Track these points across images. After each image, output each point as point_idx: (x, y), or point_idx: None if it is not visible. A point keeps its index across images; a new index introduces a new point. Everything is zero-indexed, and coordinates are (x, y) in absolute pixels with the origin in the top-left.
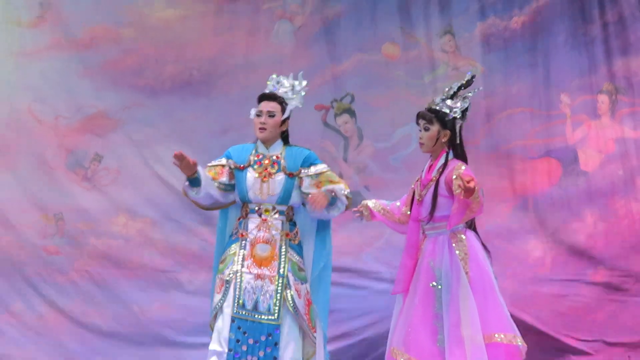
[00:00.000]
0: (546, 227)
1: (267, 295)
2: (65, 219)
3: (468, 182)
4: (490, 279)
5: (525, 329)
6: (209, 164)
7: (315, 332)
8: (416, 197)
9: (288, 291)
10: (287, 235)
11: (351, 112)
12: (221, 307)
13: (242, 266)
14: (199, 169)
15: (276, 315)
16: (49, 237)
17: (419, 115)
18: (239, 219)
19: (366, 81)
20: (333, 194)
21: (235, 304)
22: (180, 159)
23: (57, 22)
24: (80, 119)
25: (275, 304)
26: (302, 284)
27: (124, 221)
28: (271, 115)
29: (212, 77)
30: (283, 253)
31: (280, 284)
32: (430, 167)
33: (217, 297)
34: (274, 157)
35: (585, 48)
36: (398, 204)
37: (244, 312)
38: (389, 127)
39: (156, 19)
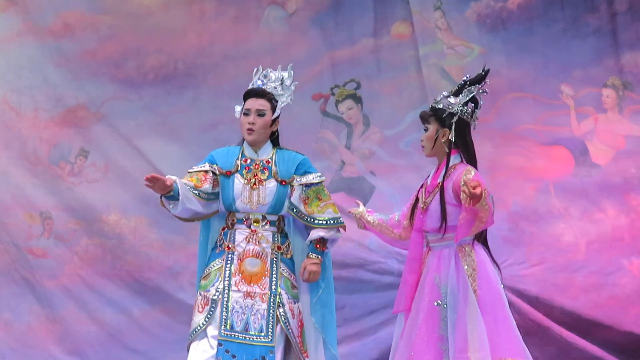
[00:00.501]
0: (571, 215)
1: (259, 315)
2: (53, 217)
3: (474, 187)
4: (500, 297)
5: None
6: (190, 170)
7: (307, 357)
8: (420, 204)
9: (281, 309)
10: (278, 248)
11: (356, 99)
12: (204, 330)
13: (230, 283)
14: (176, 183)
15: (270, 336)
16: (34, 239)
17: (420, 117)
18: (223, 229)
19: (373, 67)
20: (325, 249)
21: (223, 326)
22: (153, 181)
23: (29, 7)
24: (62, 111)
25: (268, 324)
26: (294, 302)
27: (115, 219)
28: (260, 114)
29: (198, 68)
30: (275, 268)
31: (272, 302)
32: (436, 171)
33: (199, 317)
34: (264, 162)
35: (588, 38)
36: (397, 217)
37: (232, 334)
38: (400, 113)
39: (136, 5)
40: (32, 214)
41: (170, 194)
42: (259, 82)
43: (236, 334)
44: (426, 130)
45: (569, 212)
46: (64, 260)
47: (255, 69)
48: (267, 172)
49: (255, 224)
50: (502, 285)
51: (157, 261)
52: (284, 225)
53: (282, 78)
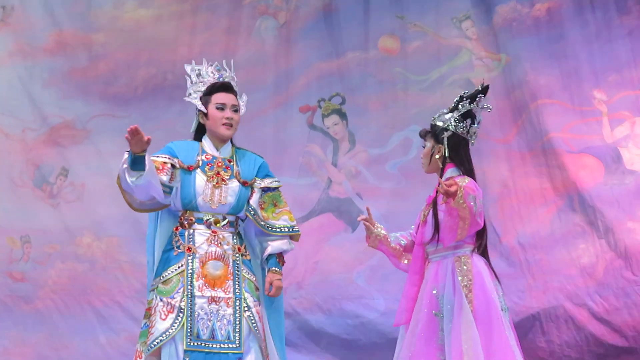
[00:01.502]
0: (597, 228)
1: (225, 320)
2: (31, 241)
3: (449, 185)
4: (496, 309)
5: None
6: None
7: None
8: (421, 218)
9: (247, 313)
10: (238, 250)
11: (341, 114)
12: (173, 338)
13: (193, 288)
14: (146, 152)
15: (237, 342)
16: (14, 262)
17: (420, 135)
18: (177, 229)
19: (360, 81)
20: (282, 262)
21: (189, 335)
22: (134, 134)
23: (21, 27)
24: (47, 130)
25: (235, 330)
26: (259, 305)
27: (89, 242)
28: (235, 109)
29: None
30: (237, 271)
31: (238, 307)
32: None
33: (163, 324)
34: (226, 160)
35: (622, 40)
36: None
37: (199, 343)
38: (385, 132)
39: (127, 21)
40: (13, 238)
41: (141, 157)
42: (217, 75)
43: (203, 342)
44: (424, 147)
45: (595, 226)
46: (39, 284)
47: (203, 60)
48: (229, 171)
49: (215, 224)
50: (502, 297)
51: (126, 284)
52: (238, 226)
53: (233, 77)
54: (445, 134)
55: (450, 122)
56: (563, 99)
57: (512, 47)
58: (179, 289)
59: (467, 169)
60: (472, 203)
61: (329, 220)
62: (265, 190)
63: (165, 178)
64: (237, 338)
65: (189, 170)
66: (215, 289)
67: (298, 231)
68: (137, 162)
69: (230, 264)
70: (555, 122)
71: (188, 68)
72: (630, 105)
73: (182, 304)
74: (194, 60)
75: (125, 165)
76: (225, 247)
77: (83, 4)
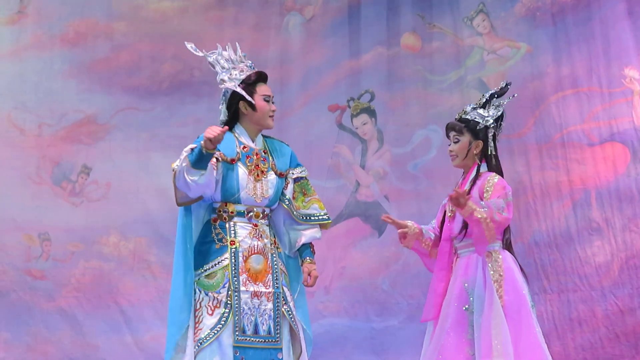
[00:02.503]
0: (613, 225)
1: (266, 315)
2: (51, 239)
3: (461, 195)
4: (526, 304)
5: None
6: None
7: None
8: (448, 213)
9: (286, 306)
10: (274, 242)
11: (370, 112)
12: (219, 336)
13: (239, 283)
14: None
15: (278, 338)
16: (33, 260)
17: (449, 127)
18: (215, 220)
19: (384, 78)
20: (314, 252)
21: (236, 331)
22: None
23: (39, 17)
24: (66, 126)
25: (276, 325)
26: (293, 297)
27: (115, 241)
28: (274, 101)
29: (215, 76)
30: (276, 265)
31: (277, 301)
32: (462, 181)
33: (210, 320)
34: (262, 152)
35: None
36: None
37: (245, 339)
38: (407, 130)
39: (152, 12)
40: (31, 236)
41: (210, 154)
42: (249, 63)
43: (248, 338)
44: (457, 141)
45: (610, 224)
46: (61, 283)
47: (227, 47)
48: (266, 163)
49: (256, 217)
50: (529, 293)
51: (154, 284)
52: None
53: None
54: (490, 133)
55: (490, 119)
56: (590, 84)
57: (534, 38)
58: (225, 283)
59: (498, 166)
60: (498, 210)
61: (356, 224)
62: (296, 180)
63: (215, 173)
64: (277, 333)
65: (231, 163)
66: (257, 283)
67: (329, 219)
68: (204, 160)
69: (269, 257)
70: (576, 113)
71: (214, 56)
72: None
73: (229, 299)
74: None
75: (185, 164)
76: (265, 240)
77: None
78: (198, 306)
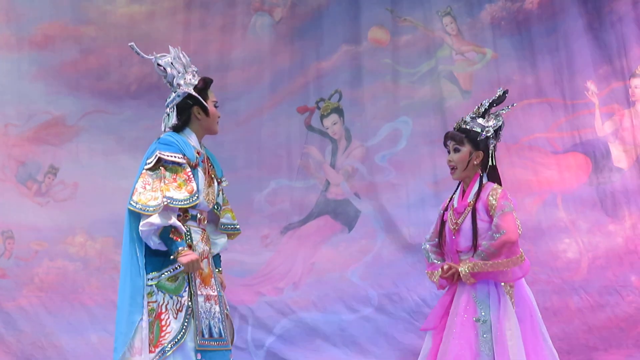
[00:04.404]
0: (579, 228)
1: (216, 318)
2: (15, 237)
3: (446, 271)
4: (536, 314)
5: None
6: (174, 172)
7: None
8: (451, 226)
9: (225, 310)
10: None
11: (339, 112)
12: (185, 340)
13: (195, 286)
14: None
15: (227, 340)
16: None
17: (448, 136)
18: None
19: (353, 75)
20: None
21: (197, 334)
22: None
23: (7, 19)
24: (33, 127)
25: (224, 327)
26: None
27: (82, 241)
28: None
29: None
30: (214, 269)
31: (221, 304)
32: (463, 193)
33: (177, 324)
34: (205, 157)
35: (613, 29)
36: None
37: (204, 342)
38: (376, 123)
39: (120, 16)
40: None
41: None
42: (195, 68)
43: (207, 341)
44: (457, 151)
45: (576, 226)
46: (24, 282)
47: (177, 49)
48: (212, 169)
49: (203, 222)
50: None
51: None
52: None
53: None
54: (492, 143)
55: (490, 129)
56: (553, 95)
57: (499, 45)
58: (186, 287)
59: (497, 177)
60: (491, 240)
61: (326, 222)
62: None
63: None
64: (227, 335)
65: (194, 168)
66: (206, 287)
67: (239, 230)
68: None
69: (211, 261)
70: (541, 122)
71: (165, 59)
72: (620, 97)
73: (190, 302)
74: (190, 59)
75: (155, 238)
76: (208, 244)
77: None
78: (164, 309)
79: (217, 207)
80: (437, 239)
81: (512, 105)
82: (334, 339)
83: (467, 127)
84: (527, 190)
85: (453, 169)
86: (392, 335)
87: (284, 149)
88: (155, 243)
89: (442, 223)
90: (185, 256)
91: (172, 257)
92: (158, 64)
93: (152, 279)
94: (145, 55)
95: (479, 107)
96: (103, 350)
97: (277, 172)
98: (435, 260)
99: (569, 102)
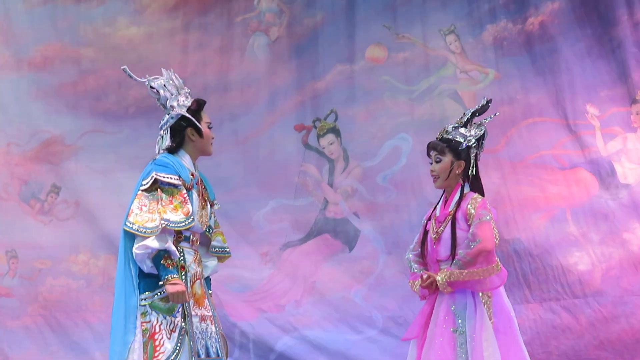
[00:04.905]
0: (591, 240)
1: (213, 338)
2: (19, 256)
3: (425, 280)
4: (513, 325)
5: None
6: (170, 194)
7: None
8: (432, 235)
9: (220, 329)
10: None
11: (336, 132)
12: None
13: (189, 307)
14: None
15: (224, 358)
16: None
17: (430, 146)
18: None
19: (348, 94)
20: None
21: (193, 355)
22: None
23: (6, 40)
24: (35, 146)
25: (220, 347)
26: None
27: (85, 259)
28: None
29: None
30: (207, 289)
31: (216, 324)
32: (445, 202)
33: (170, 344)
34: (199, 180)
35: (613, 54)
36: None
37: None
38: (375, 142)
39: (118, 39)
40: None
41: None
42: (187, 90)
43: None
44: (438, 161)
45: (587, 238)
46: (28, 301)
47: (170, 71)
48: (206, 192)
49: (195, 244)
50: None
51: None
52: None
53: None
54: (473, 153)
55: (472, 139)
56: (555, 116)
57: (502, 65)
58: (179, 308)
59: (479, 186)
60: (467, 249)
61: (326, 241)
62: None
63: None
64: (223, 354)
65: (189, 190)
66: (201, 307)
67: (230, 253)
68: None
69: (203, 282)
70: (546, 139)
71: (157, 81)
72: (621, 121)
73: (184, 323)
74: (187, 79)
75: (149, 262)
76: (201, 266)
77: (71, 18)
78: (157, 329)
79: (209, 230)
80: (419, 249)
81: (495, 115)
82: (338, 357)
83: (449, 136)
84: (534, 207)
85: (435, 178)
86: (399, 358)
87: (281, 167)
88: (148, 267)
89: (425, 232)
90: (173, 285)
91: (160, 282)
92: (151, 87)
93: (145, 299)
94: (138, 78)
95: (461, 117)
96: None
97: (276, 190)
98: (416, 270)
99: (572, 122)
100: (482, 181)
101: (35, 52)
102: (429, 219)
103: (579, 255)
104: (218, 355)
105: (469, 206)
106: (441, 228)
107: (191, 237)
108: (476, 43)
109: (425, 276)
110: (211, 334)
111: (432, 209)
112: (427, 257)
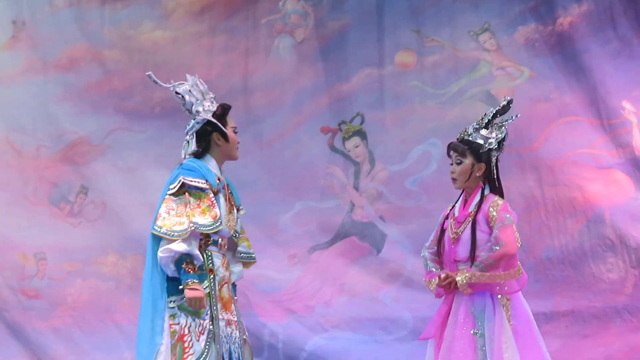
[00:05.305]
0: (627, 243)
1: (236, 344)
2: (47, 258)
3: (444, 279)
4: (533, 327)
5: None
6: (197, 198)
7: None
8: (450, 235)
9: (245, 335)
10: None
11: (362, 135)
12: None
13: (217, 310)
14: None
15: None
16: (27, 280)
17: (450, 147)
18: None
19: (376, 98)
20: None
21: (218, 358)
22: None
23: (33, 43)
24: (62, 147)
25: (242, 353)
26: None
27: (114, 260)
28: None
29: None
30: (234, 294)
31: (241, 329)
32: (465, 203)
33: (198, 347)
34: (226, 184)
35: None
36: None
37: None
38: (404, 147)
39: (143, 41)
40: (25, 254)
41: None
42: (212, 95)
43: None
44: (459, 163)
45: (623, 242)
46: (57, 302)
47: (195, 77)
48: (232, 196)
49: (224, 248)
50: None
51: None
52: None
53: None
54: (494, 154)
55: (493, 141)
56: (590, 116)
57: (535, 65)
58: (207, 310)
59: (500, 189)
60: (490, 252)
61: (353, 244)
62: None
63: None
64: None
65: (216, 194)
66: (227, 312)
67: (255, 259)
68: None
69: (231, 287)
70: (583, 138)
71: (183, 87)
72: None
73: (212, 326)
74: (212, 82)
75: (172, 266)
76: (229, 270)
77: (96, 21)
78: (187, 331)
79: (236, 235)
80: (436, 247)
81: (516, 116)
82: (368, 358)
83: (470, 138)
84: (569, 210)
85: (454, 180)
86: None
87: (307, 169)
88: (171, 270)
89: (442, 231)
90: (192, 291)
91: (180, 287)
92: (176, 92)
93: (174, 301)
94: (163, 84)
95: (482, 118)
96: None
97: (302, 193)
98: (433, 269)
99: (606, 122)
100: (517, 183)
101: (61, 54)
102: (446, 218)
103: (612, 261)
104: None
105: (490, 209)
106: (461, 229)
107: (219, 240)
108: (510, 41)
109: (443, 275)
110: (235, 339)
111: (450, 208)
112: (444, 256)
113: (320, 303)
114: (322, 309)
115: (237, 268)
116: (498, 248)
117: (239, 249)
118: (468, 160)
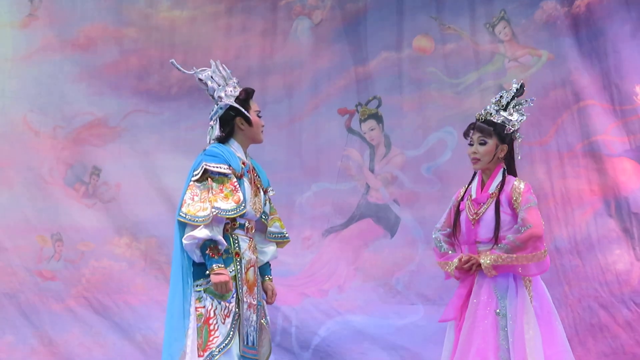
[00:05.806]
0: (632, 235)
1: (252, 327)
2: (63, 239)
3: (465, 262)
4: (552, 309)
5: None
6: (220, 183)
7: None
8: (470, 216)
9: (263, 320)
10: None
11: (378, 118)
12: (231, 346)
13: (242, 293)
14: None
15: (257, 349)
16: (44, 261)
17: (475, 127)
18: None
19: (394, 82)
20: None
21: (243, 342)
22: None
23: (50, 21)
24: (77, 127)
25: (256, 338)
26: None
27: (127, 242)
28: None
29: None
30: (259, 278)
31: (259, 313)
32: (483, 184)
33: (224, 329)
34: (251, 167)
35: None
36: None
37: (245, 350)
38: (420, 133)
39: (161, 20)
40: (43, 236)
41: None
42: (235, 79)
43: (247, 349)
44: (483, 143)
45: (630, 233)
46: (72, 283)
47: (217, 63)
48: (258, 179)
49: (250, 231)
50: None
51: (166, 284)
52: None
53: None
54: (519, 138)
55: (516, 123)
56: (604, 100)
57: (555, 45)
58: (234, 293)
59: (514, 170)
60: (517, 233)
61: (368, 225)
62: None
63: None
64: (257, 345)
65: (240, 178)
66: (250, 295)
67: (289, 238)
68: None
69: (257, 270)
70: (599, 123)
71: (205, 73)
72: None
73: (237, 308)
74: (229, 62)
75: (197, 251)
76: (255, 253)
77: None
78: (212, 314)
79: (265, 217)
80: (448, 229)
81: (532, 99)
82: (382, 343)
83: (494, 119)
84: (577, 202)
85: (476, 160)
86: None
87: (324, 151)
88: (197, 257)
89: (457, 212)
90: (218, 275)
91: (207, 272)
92: (199, 79)
93: (200, 285)
94: (185, 71)
95: (499, 99)
96: (148, 349)
97: (318, 174)
98: (448, 251)
99: (618, 108)
100: (526, 176)
101: (78, 33)
102: (461, 199)
103: (618, 253)
104: (254, 344)
105: (513, 190)
106: (482, 210)
107: (246, 224)
108: (528, 24)
109: (465, 258)
110: (252, 322)
111: (465, 190)
112: (461, 238)
113: (333, 287)
114: (336, 293)
115: (270, 248)
116: (526, 229)
117: (271, 229)
118: (492, 141)
